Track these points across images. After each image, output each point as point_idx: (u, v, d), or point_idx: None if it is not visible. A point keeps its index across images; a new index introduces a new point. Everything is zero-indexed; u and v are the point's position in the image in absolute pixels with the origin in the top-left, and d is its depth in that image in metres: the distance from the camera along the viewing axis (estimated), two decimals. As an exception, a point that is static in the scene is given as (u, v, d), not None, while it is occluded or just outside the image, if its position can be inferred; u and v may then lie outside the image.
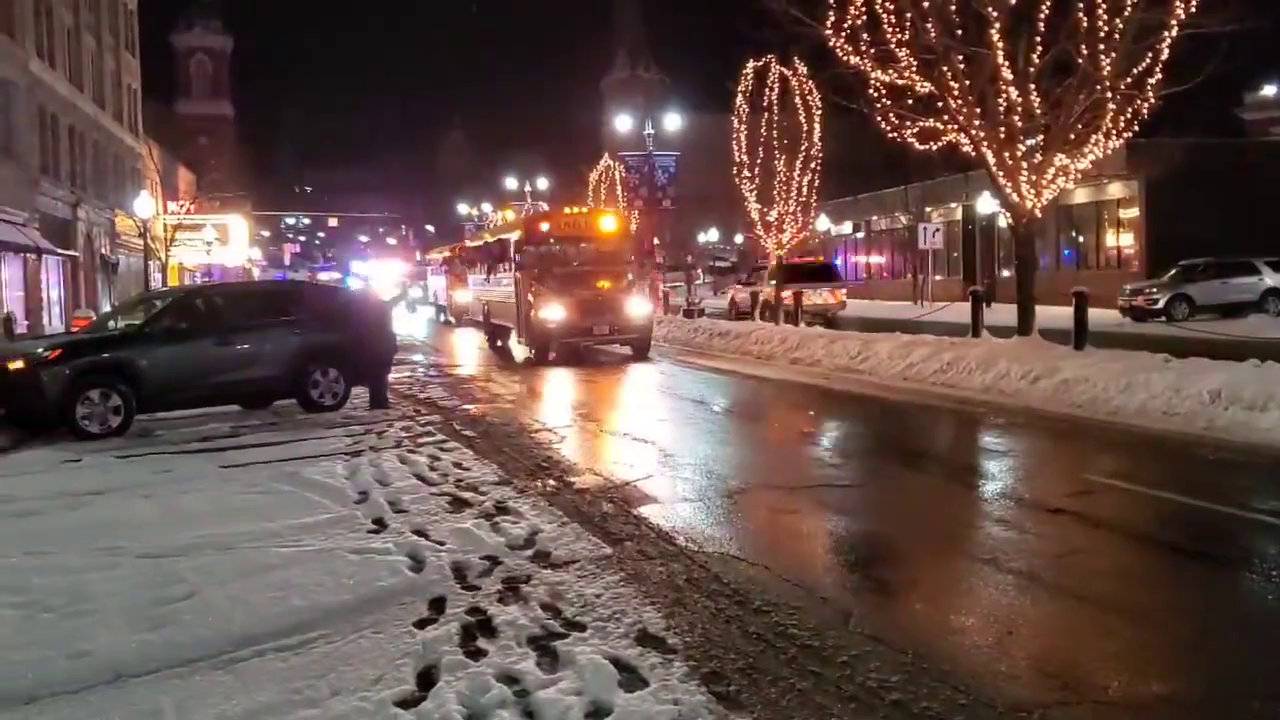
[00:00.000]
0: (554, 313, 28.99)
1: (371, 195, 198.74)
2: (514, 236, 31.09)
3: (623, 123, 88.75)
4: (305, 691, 6.50)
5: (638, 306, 30.30)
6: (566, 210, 33.59)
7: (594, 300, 29.53)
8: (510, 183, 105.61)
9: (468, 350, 35.88)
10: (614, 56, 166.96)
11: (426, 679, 6.68)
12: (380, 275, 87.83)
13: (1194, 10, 21.09)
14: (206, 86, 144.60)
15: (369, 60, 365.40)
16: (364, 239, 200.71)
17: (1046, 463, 14.31)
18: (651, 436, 16.50)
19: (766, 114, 42.13)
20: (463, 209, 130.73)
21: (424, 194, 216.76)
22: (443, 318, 60.45)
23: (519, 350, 31.53)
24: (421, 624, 7.70)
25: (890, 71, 30.44)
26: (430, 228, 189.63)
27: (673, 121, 75.64)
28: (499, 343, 34.05)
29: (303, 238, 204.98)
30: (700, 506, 11.46)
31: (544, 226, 30.98)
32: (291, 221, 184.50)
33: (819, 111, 40.78)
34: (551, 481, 12.88)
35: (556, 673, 6.72)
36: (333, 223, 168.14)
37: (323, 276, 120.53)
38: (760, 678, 6.62)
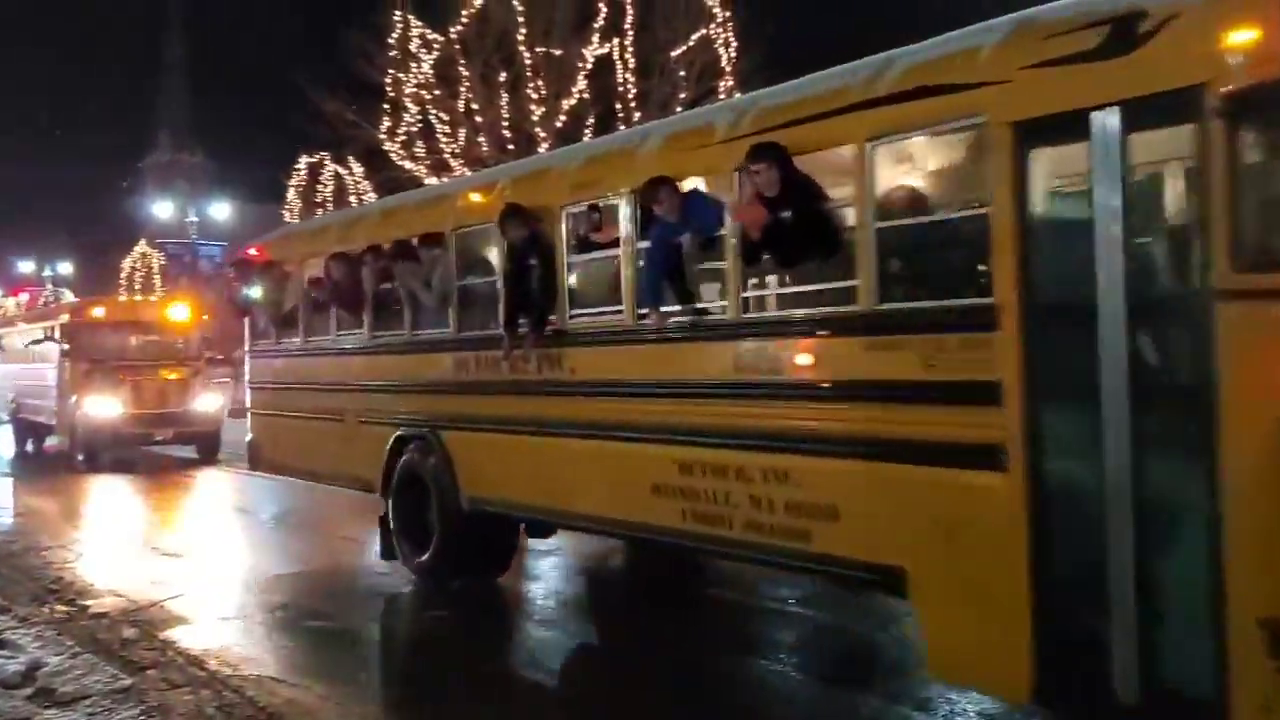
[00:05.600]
0: (106, 408, 26.46)
1: None
2: (62, 320, 29.01)
3: (163, 208, 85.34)
4: None
5: (207, 402, 28.09)
6: (125, 298, 31.65)
7: (156, 394, 27.30)
8: (25, 265, 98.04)
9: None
10: (156, 137, 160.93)
11: None
12: None
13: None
14: None
15: None
16: None
17: (584, 560, 14.15)
18: (190, 550, 15.58)
19: (320, 210, 41.61)
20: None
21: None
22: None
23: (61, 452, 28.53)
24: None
25: (445, 179, 32.18)
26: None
27: (221, 210, 73.16)
28: (31, 444, 31.34)
29: None
30: (239, 625, 10.98)
31: (98, 311, 29.06)
32: None
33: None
34: (63, 607, 11.71)
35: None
36: None
37: None
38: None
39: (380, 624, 11.79)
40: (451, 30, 34.87)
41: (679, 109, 31.00)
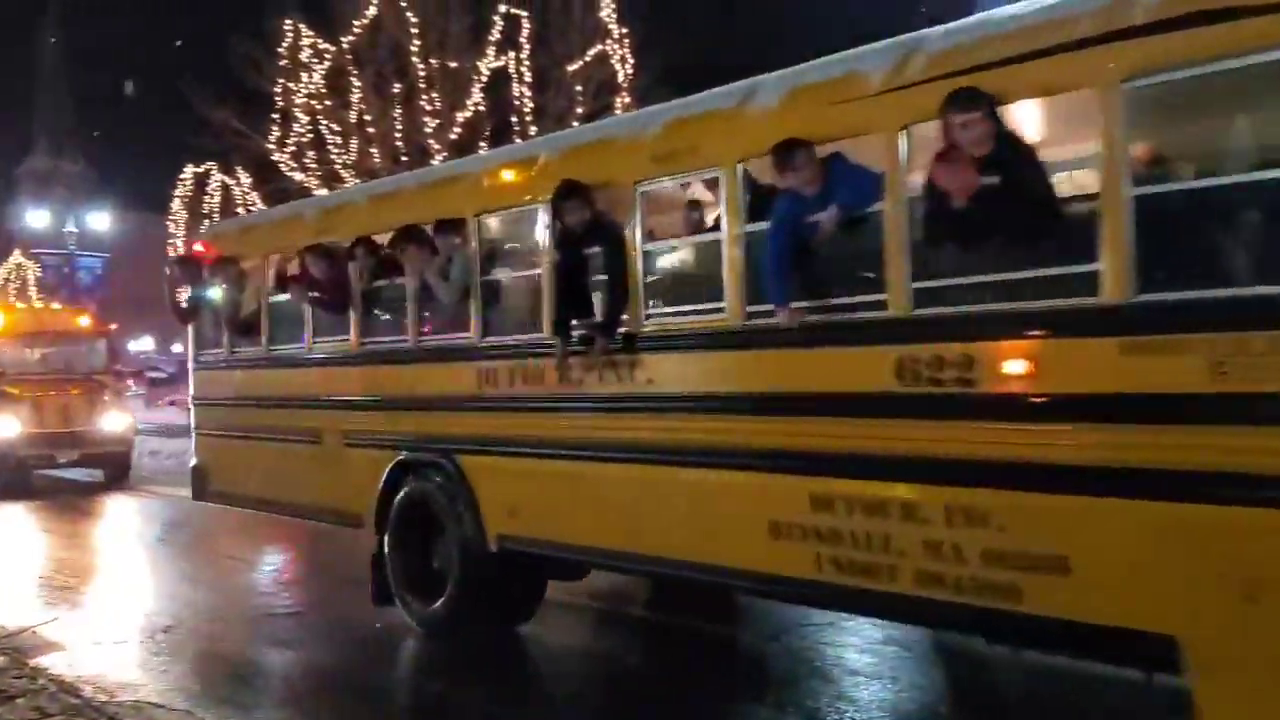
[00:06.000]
0: (2, 428, 23.41)
1: None
2: None
3: (39, 217, 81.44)
4: None
5: (115, 421, 25.09)
6: (21, 305, 29.03)
7: (58, 412, 24.19)
8: None
9: None
10: (34, 143, 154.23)
11: None
12: None
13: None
14: None
15: None
16: None
17: None
18: (77, 576, 14.19)
19: (207, 221, 39.38)
20: None
21: None
22: None
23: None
24: None
25: (335, 190, 30.79)
26: None
27: (100, 220, 69.90)
28: None
29: None
30: (118, 650, 10.28)
31: None
32: None
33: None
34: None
35: None
36: None
37: None
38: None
39: (272, 646, 10.64)
40: (343, 40, 33.54)
41: (575, 123, 30.07)
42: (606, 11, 33.72)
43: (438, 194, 10.67)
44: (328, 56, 33.82)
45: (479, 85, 33.76)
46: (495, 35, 33.46)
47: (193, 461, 13.80)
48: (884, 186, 6.76)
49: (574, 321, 8.48)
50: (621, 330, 8.27)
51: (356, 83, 33.95)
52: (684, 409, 7.90)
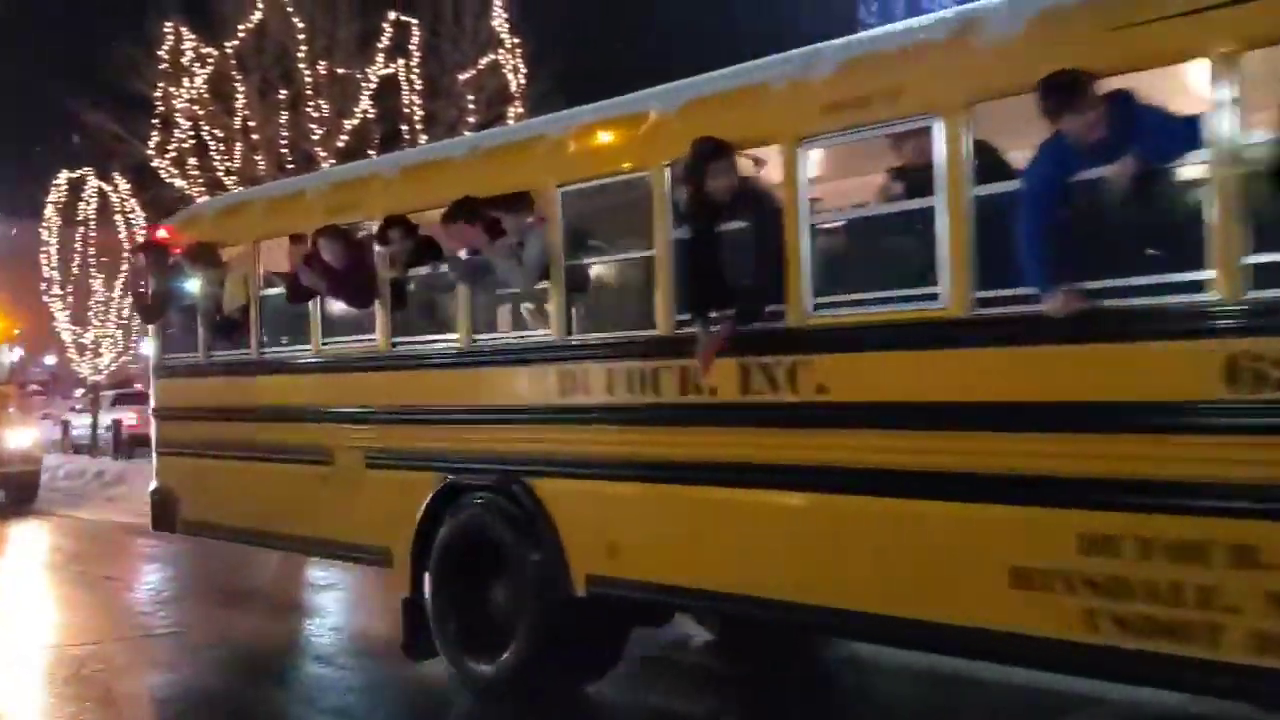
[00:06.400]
0: None
1: None
2: None
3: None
4: None
5: (20, 438, 23.27)
6: None
7: None
8: None
9: None
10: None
11: None
12: None
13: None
14: None
15: None
16: None
17: (372, 593, 12.52)
18: None
19: (83, 229, 39.36)
20: None
21: None
22: None
23: None
24: None
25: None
26: None
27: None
28: None
29: None
30: None
31: None
32: None
33: (144, 231, 39.11)
34: None
35: None
36: None
37: None
38: None
39: (150, 668, 10.11)
40: (227, 45, 33.07)
41: (466, 132, 30.23)
42: (499, 21, 33.88)
43: (503, 162, 8.74)
44: (211, 60, 33.14)
45: (367, 92, 33.47)
46: (384, 42, 33.23)
47: (153, 485, 11.72)
48: (1199, 133, 5.20)
49: (714, 314, 6.79)
50: (779, 325, 6.62)
51: (241, 88, 33.44)
52: (876, 423, 6.24)
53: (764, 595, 6.77)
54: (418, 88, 33.76)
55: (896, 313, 6.26)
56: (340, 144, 33.11)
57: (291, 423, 9.80)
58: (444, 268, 8.48)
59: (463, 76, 34.37)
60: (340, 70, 33.62)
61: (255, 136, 33.97)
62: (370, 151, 31.26)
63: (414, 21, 33.51)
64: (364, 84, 33.39)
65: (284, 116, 33.70)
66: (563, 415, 7.73)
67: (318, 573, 13.85)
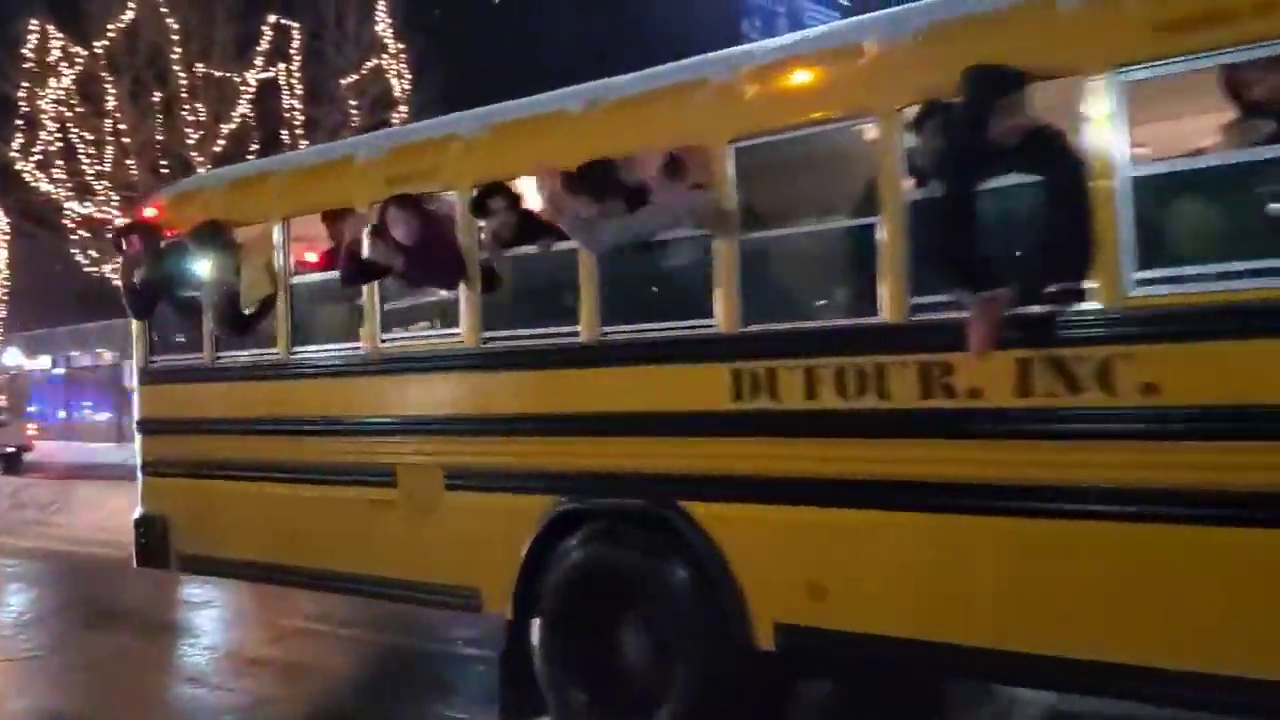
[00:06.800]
0: None
1: None
2: None
3: None
4: None
5: None
6: None
7: None
8: None
9: None
10: None
11: None
12: None
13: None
14: None
15: None
16: None
17: (249, 610, 12.79)
18: None
19: None
20: None
21: None
22: None
23: None
24: None
25: (88, 203, 32.26)
26: None
27: None
28: None
29: None
30: None
31: None
32: None
33: (6, 236, 40.57)
34: None
35: None
36: None
37: None
38: None
39: (10, 693, 9.77)
40: (96, 45, 32.44)
41: (349, 136, 29.13)
42: (382, 25, 34.09)
43: (641, 115, 6.92)
44: (79, 60, 32.73)
45: (246, 96, 33.30)
46: (264, 45, 33.20)
47: (139, 513, 9.70)
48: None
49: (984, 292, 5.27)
50: (1084, 306, 5.14)
51: (112, 90, 32.83)
52: (1237, 433, 4.77)
53: (1063, 654, 5.17)
54: (299, 92, 33.68)
55: (1261, 290, 4.76)
56: (217, 148, 32.63)
57: (336, 436, 7.97)
58: (561, 244, 6.83)
59: (345, 81, 34.12)
60: (218, 73, 33.16)
61: (127, 140, 32.94)
62: (249, 156, 30.64)
63: (295, 25, 33.40)
64: (243, 87, 32.98)
65: (158, 120, 32.98)
66: (740, 425, 6.10)
67: (192, 590, 13.49)
